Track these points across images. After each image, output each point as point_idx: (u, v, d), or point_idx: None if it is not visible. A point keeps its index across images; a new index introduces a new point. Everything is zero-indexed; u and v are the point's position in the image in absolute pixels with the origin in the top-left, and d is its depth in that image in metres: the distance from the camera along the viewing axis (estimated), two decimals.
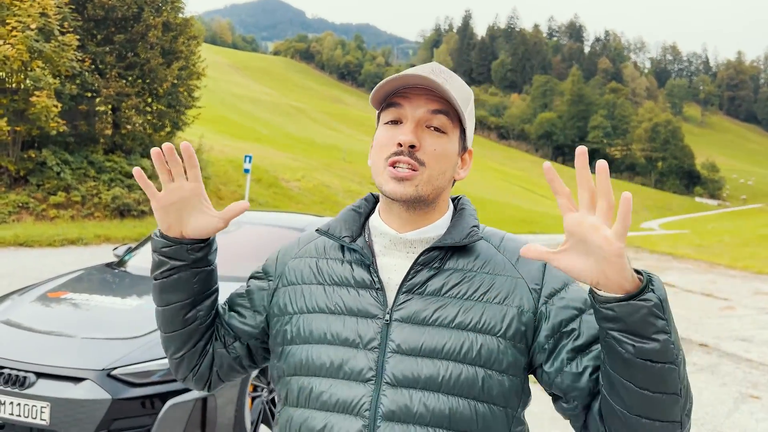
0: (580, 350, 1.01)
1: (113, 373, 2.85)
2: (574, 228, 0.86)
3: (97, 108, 18.27)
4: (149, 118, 19.48)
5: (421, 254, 1.07)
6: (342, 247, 1.14)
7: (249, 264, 3.53)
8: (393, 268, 1.09)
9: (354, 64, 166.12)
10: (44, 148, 16.22)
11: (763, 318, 9.21)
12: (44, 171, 15.92)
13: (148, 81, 18.80)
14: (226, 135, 34.67)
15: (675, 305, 9.98)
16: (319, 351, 1.06)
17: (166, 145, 1.05)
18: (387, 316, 1.04)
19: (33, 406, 2.76)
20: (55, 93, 15.16)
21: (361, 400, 1.01)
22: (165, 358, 2.80)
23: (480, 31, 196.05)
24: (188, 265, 1.12)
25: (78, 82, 16.91)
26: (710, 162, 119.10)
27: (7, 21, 14.14)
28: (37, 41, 14.27)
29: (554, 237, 30.52)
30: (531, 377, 1.09)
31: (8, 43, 13.84)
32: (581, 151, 0.85)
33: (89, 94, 17.77)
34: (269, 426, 3.63)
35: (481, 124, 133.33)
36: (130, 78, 18.50)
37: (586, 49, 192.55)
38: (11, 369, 2.86)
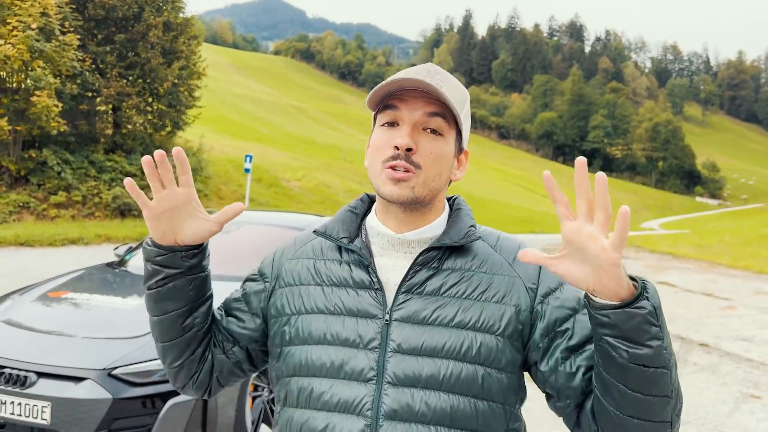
0: (573, 350, 1.03)
1: (114, 372, 2.85)
2: (572, 236, 0.87)
3: (98, 108, 18.28)
4: (150, 117, 19.49)
5: (420, 254, 1.08)
6: (339, 248, 1.15)
7: (249, 264, 3.52)
8: (391, 268, 1.10)
9: (354, 64, 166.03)
10: (45, 147, 16.23)
11: (763, 318, 9.21)
12: (45, 171, 15.93)
13: (148, 81, 18.81)
14: (226, 135, 34.67)
15: (676, 305, 9.98)
16: (319, 351, 1.06)
17: (157, 152, 1.03)
18: (387, 316, 1.05)
19: (34, 405, 2.77)
20: (55, 93, 15.17)
21: (363, 399, 1.01)
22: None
23: (480, 30, 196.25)
24: (183, 272, 1.11)
25: (79, 81, 16.92)
26: (711, 162, 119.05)
27: (8, 20, 14.15)
28: (37, 41, 14.28)
29: (555, 237, 30.52)
30: (526, 374, 1.11)
31: (9, 43, 13.85)
32: (580, 163, 0.85)
33: (90, 94, 17.78)
34: (270, 425, 3.63)
35: (481, 124, 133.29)
36: (130, 78, 18.51)
37: (587, 49, 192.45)
38: (12, 368, 2.86)
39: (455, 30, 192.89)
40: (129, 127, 18.91)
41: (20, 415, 2.78)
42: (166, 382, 2.91)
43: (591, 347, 1.02)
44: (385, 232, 1.11)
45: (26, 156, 15.69)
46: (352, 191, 28.46)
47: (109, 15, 18.16)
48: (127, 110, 18.62)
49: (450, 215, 1.15)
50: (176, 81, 19.27)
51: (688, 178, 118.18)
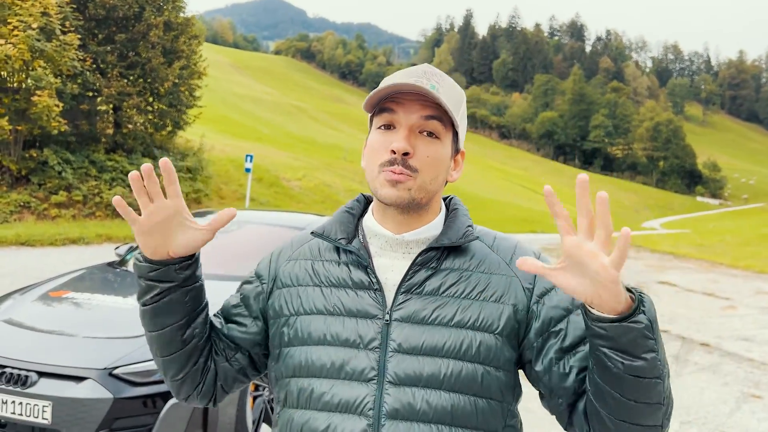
0: (567, 350, 1.04)
1: (115, 372, 2.85)
2: (573, 250, 0.87)
3: (99, 107, 18.30)
4: (150, 117, 19.50)
5: (419, 255, 1.09)
6: (337, 249, 1.15)
7: (250, 263, 3.52)
8: (390, 268, 1.10)
9: (355, 64, 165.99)
10: (46, 147, 16.25)
11: (764, 317, 9.21)
12: (46, 170, 15.94)
13: (149, 80, 18.82)
14: (227, 134, 34.69)
15: (676, 304, 9.98)
16: (319, 352, 1.07)
17: (144, 166, 1.01)
18: (387, 316, 1.06)
19: (35, 405, 2.77)
20: (56, 92, 15.18)
21: (364, 399, 1.02)
22: None
23: (481, 30, 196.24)
24: (179, 285, 1.09)
25: (79, 81, 16.93)
26: (712, 161, 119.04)
27: (9, 20, 14.16)
28: (38, 40, 14.28)
29: (555, 236, 30.51)
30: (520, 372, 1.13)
31: (10, 43, 13.86)
32: (582, 181, 0.86)
33: (90, 94, 17.79)
34: (271, 425, 3.63)
35: (482, 124, 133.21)
36: (131, 77, 18.52)
37: (588, 49, 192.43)
38: (13, 368, 2.86)
39: (456, 30, 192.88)
40: (130, 126, 18.92)
41: (21, 414, 2.78)
42: None
43: (584, 348, 1.03)
44: (383, 233, 1.12)
45: (27, 156, 15.70)
46: (352, 191, 28.45)
47: (110, 15, 18.17)
48: (128, 110, 18.63)
49: (447, 215, 1.16)
50: (177, 81, 19.28)
51: (689, 178, 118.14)
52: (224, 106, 51.40)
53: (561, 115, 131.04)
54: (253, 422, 3.45)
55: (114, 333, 3.15)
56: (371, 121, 1.12)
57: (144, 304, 1.11)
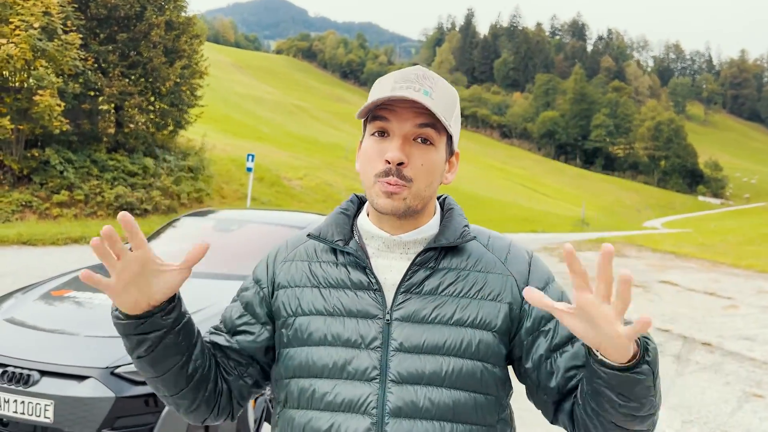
0: (555, 349, 1.08)
1: (117, 371, 2.85)
2: (587, 307, 0.88)
3: (100, 107, 18.31)
4: (152, 116, 19.51)
5: (418, 255, 1.10)
6: (334, 250, 1.15)
7: (251, 263, 3.53)
8: (388, 268, 1.11)
9: (356, 63, 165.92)
10: (47, 146, 16.26)
11: (766, 317, 9.20)
12: (47, 170, 15.96)
13: (150, 80, 18.83)
14: (228, 134, 34.71)
15: (678, 304, 9.98)
16: (320, 353, 1.07)
17: (104, 229, 0.96)
18: (387, 316, 1.07)
19: (37, 404, 2.77)
20: (58, 92, 15.20)
21: (367, 398, 1.03)
22: None
23: (482, 29, 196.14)
24: (169, 330, 1.05)
25: (81, 80, 16.94)
26: (713, 161, 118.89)
27: (11, 20, 14.18)
28: (40, 40, 14.30)
29: (556, 236, 30.50)
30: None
31: (11, 42, 13.87)
32: (607, 252, 0.85)
33: (92, 93, 17.80)
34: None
35: (483, 123, 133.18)
36: (132, 77, 18.52)
37: (589, 48, 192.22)
38: (15, 367, 2.87)
39: (457, 29, 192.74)
40: (131, 126, 18.94)
41: (23, 413, 2.79)
42: None
43: (571, 348, 1.07)
44: (379, 234, 1.12)
45: (29, 155, 15.72)
46: (353, 190, 28.45)
47: (112, 14, 18.18)
48: (130, 109, 18.65)
49: (442, 215, 1.17)
50: (178, 80, 19.29)
51: (690, 177, 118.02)
52: (226, 105, 51.42)
53: (562, 115, 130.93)
54: (255, 421, 3.46)
55: (115, 332, 3.14)
56: (364, 125, 1.13)
57: (138, 357, 1.07)
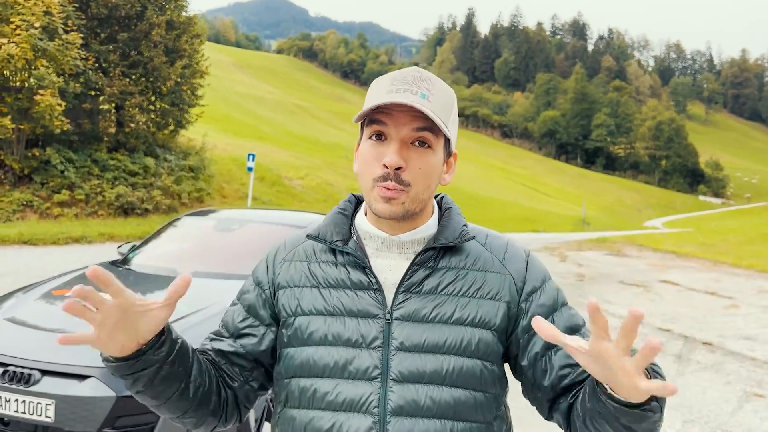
0: (550, 347, 1.09)
1: None
2: (605, 355, 0.85)
3: (101, 106, 18.32)
4: (153, 116, 19.53)
5: (418, 255, 1.11)
6: (333, 250, 1.15)
7: (252, 262, 3.53)
8: (388, 268, 1.11)
9: (357, 63, 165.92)
10: (48, 146, 16.28)
11: (767, 316, 9.20)
12: (48, 169, 15.97)
13: (151, 79, 18.84)
14: (229, 133, 34.72)
15: (679, 304, 9.97)
16: (321, 352, 1.07)
17: (75, 289, 0.91)
18: (388, 315, 1.07)
19: (38, 403, 2.77)
20: (59, 91, 15.22)
21: (369, 397, 1.03)
22: None
23: (483, 29, 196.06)
24: (163, 362, 1.02)
25: (82, 80, 16.96)
26: (714, 160, 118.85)
27: (12, 19, 14.18)
28: (41, 40, 14.31)
29: (557, 236, 30.50)
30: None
31: (12, 42, 13.88)
32: (637, 315, 0.80)
33: (93, 93, 17.82)
34: None
35: (484, 123, 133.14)
36: (133, 76, 18.54)
37: (590, 47, 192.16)
38: (16, 366, 2.87)
39: (458, 28, 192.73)
40: (132, 125, 18.95)
41: (24, 412, 2.79)
42: None
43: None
44: (378, 235, 1.12)
45: (30, 155, 15.74)
46: (354, 190, 28.33)
47: (112, 14, 18.19)
48: (130, 109, 18.66)
49: (440, 214, 1.17)
50: (179, 80, 19.30)
51: (691, 177, 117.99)
52: (226, 105, 51.44)
53: (563, 114, 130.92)
54: (256, 420, 3.46)
55: None
56: (362, 127, 1.12)
57: (137, 392, 1.05)
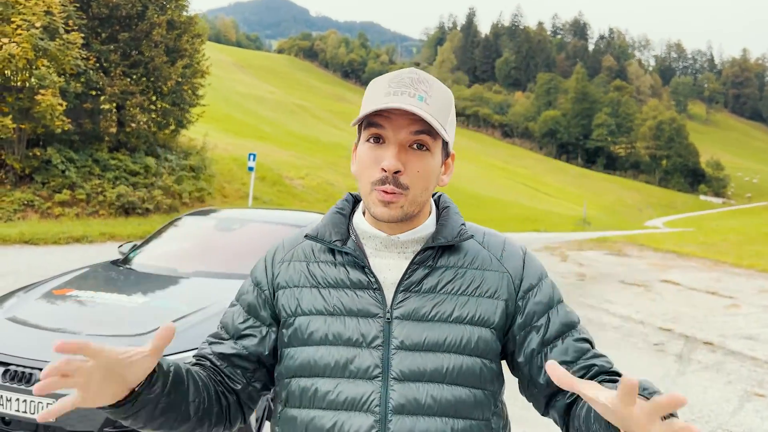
0: (545, 344, 1.11)
1: None
2: (627, 418, 0.81)
3: (102, 106, 18.33)
4: (154, 116, 19.54)
5: (417, 254, 1.11)
6: (332, 250, 1.15)
7: (253, 262, 3.53)
8: (386, 267, 1.12)
9: (358, 62, 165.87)
10: (49, 146, 16.29)
11: None
12: (49, 169, 15.98)
13: (152, 79, 18.85)
14: (230, 133, 34.73)
15: (680, 303, 9.97)
16: (322, 352, 1.08)
17: (47, 369, 0.88)
18: (388, 315, 1.07)
19: (39, 402, 2.78)
20: (59, 91, 15.22)
21: (370, 396, 1.04)
22: (170, 354, 2.81)
23: (484, 28, 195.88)
24: (158, 399, 1.01)
25: (83, 80, 16.97)
26: (715, 160, 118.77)
27: (12, 19, 14.19)
28: (41, 39, 14.31)
29: (558, 235, 30.48)
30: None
31: (13, 42, 13.89)
32: (679, 402, 0.77)
33: (94, 93, 17.83)
34: None
35: (484, 122, 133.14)
36: (134, 76, 18.55)
37: (591, 47, 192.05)
38: (17, 365, 2.88)
39: (458, 28, 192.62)
40: (133, 125, 18.97)
41: (25, 411, 2.80)
42: None
43: (561, 343, 1.10)
44: (377, 234, 1.13)
45: (31, 154, 15.75)
46: (354, 189, 28.35)
47: (113, 13, 18.20)
48: (131, 109, 18.67)
49: (438, 214, 1.18)
50: (180, 79, 19.31)
51: (692, 177, 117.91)
52: (227, 104, 51.46)
53: (564, 114, 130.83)
54: (257, 420, 3.46)
55: (117, 331, 3.16)
56: (360, 128, 1.12)
57: (141, 428, 1.05)
